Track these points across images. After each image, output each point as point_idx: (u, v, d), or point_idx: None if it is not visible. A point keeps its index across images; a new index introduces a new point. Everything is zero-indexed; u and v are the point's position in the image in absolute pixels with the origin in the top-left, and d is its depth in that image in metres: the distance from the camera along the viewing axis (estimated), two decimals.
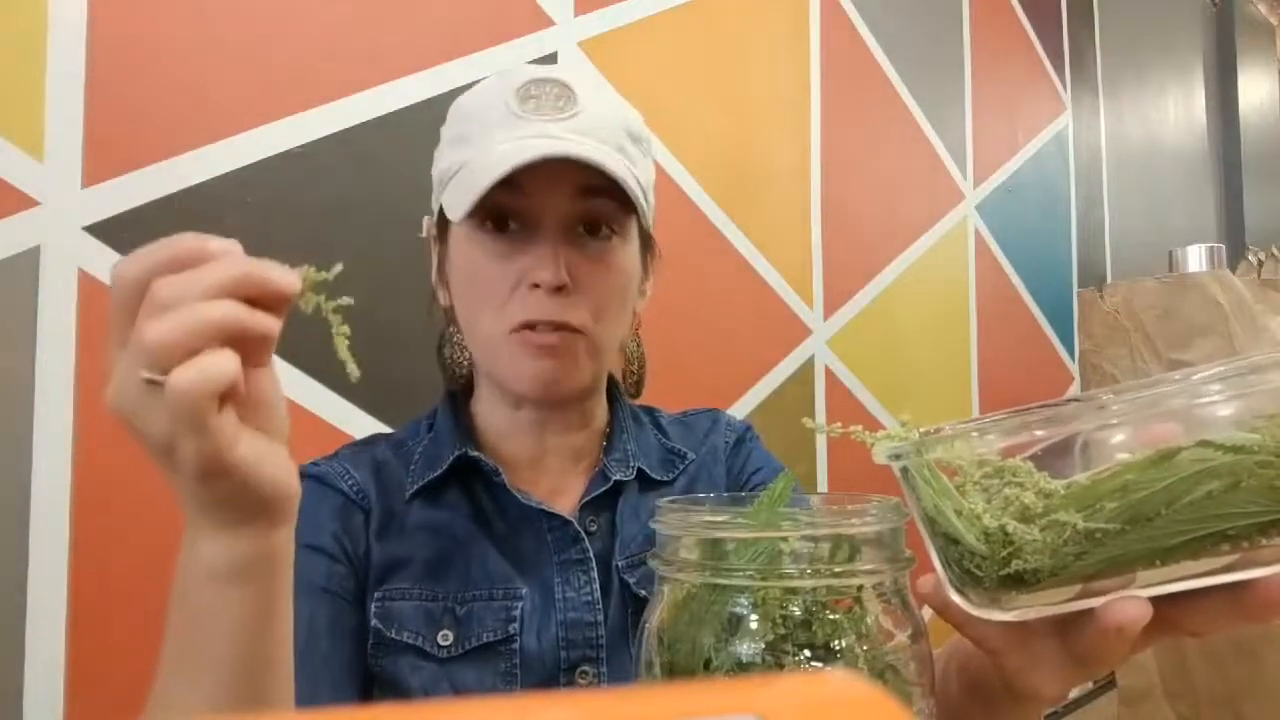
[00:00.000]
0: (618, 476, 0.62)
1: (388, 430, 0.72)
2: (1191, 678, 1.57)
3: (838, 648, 0.33)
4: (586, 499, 0.61)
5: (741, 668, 0.33)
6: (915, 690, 0.35)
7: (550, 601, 0.57)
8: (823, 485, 1.52)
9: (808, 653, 0.33)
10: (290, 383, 0.88)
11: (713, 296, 1.34)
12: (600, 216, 0.57)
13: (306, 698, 0.47)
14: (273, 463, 0.36)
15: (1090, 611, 0.32)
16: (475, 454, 0.59)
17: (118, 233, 0.78)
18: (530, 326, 0.55)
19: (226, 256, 0.34)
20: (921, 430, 0.35)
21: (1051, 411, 0.33)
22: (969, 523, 0.32)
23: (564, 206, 0.55)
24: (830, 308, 1.56)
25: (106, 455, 0.76)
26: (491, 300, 0.56)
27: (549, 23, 1.14)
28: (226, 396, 0.33)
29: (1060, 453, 0.33)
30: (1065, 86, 2.34)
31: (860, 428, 0.37)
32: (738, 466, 0.69)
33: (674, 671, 0.35)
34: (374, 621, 0.55)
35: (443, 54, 1.02)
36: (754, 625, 0.33)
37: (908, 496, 0.35)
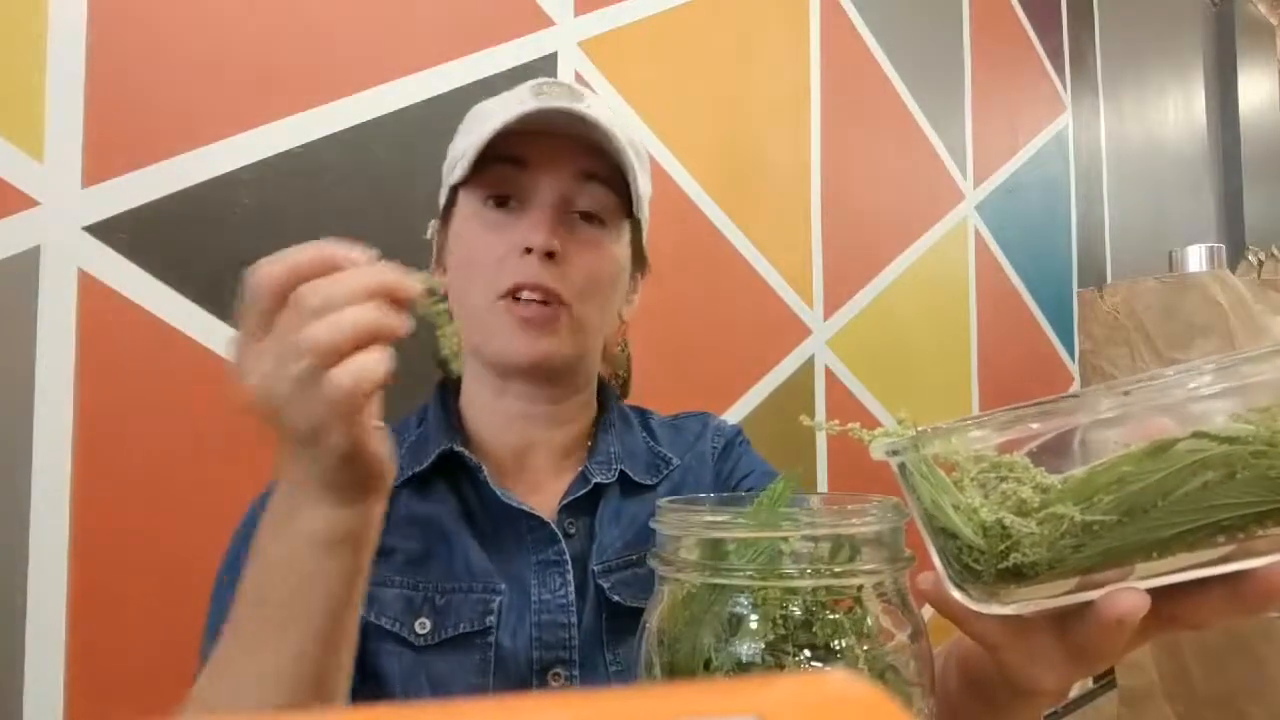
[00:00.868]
0: (598, 479, 0.62)
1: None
2: (1191, 678, 1.57)
3: (838, 648, 0.33)
4: (566, 501, 0.61)
5: (741, 668, 0.33)
6: (915, 690, 0.35)
7: (526, 602, 0.57)
8: (823, 485, 1.52)
9: (808, 653, 0.33)
10: None
11: (713, 296, 1.34)
12: (594, 200, 0.60)
13: None
14: (384, 444, 0.41)
15: (1089, 605, 0.32)
16: (460, 449, 0.59)
17: (118, 233, 0.78)
18: (517, 294, 0.56)
19: (363, 263, 0.38)
20: (918, 428, 0.35)
21: (1048, 407, 0.33)
22: (966, 517, 0.32)
23: (564, 185, 0.58)
24: (830, 308, 1.56)
25: (106, 455, 0.76)
26: (484, 270, 0.58)
27: (549, 23, 1.14)
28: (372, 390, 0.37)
29: (1056, 447, 0.33)
30: (1065, 86, 2.34)
31: (858, 425, 0.37)
32: (726, 471, 0.69)
33: (674, 671, 0.35)
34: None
35: (443, 54, 1.02)
36: (754, 625, 0.33)
37: (905, 493, 0.35)
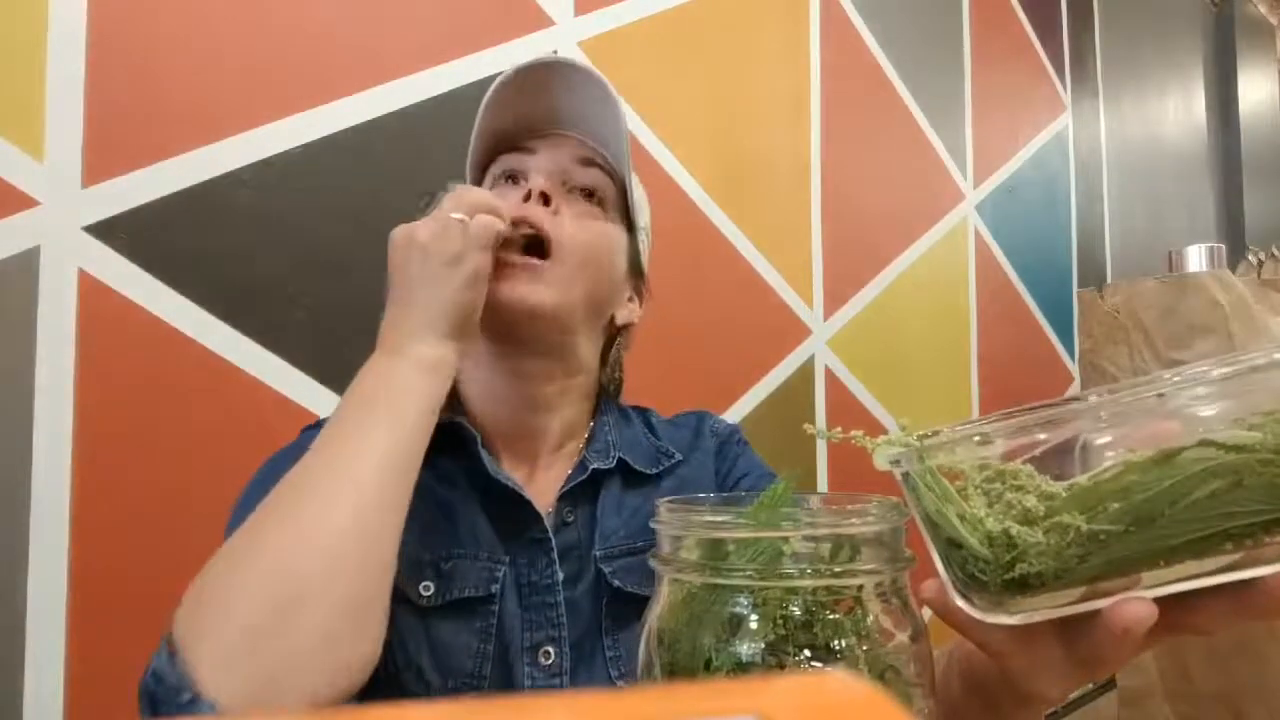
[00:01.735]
0: (596, 465, 0.62)
1: None
2: (1191, 678, 1.57)
3: (838, 648, 0.33)
4: (565, 489, 0.61)
5: (741, 668, 0.33)
6: (915, 690, 0.35)
7: (517, 582, 0.58)
8: (823, 485, 1.52)
9: (808, 653, 0.33)
10: (289, 380, 0.88)
11: (713, 296, 1.34)
12: (593, 182, 0.63)
13: None
14: (481, 296, 0.55)
15: (1094, 614, 0.32)
16: (459, 419, 0.60)
17: (118, 233, 0.78)
18: (506, 243, 0.58)
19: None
20: (919, 434, 0.35)
21: (1051, 413, 0.32)
22: (972, 527, 0.32)
23: (565, 163, 0.63)
24: (830, 308, 1.56)
25: (106, 455, 0.76)
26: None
27: (549, 23, 1.14)
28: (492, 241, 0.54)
29: (1061, 453, 0.33)
30: (1065, 86, 2.34)
31: (861, 433, 0.37)
32: (724, 471, 0.69)
33: (674, 671, 0.35)
34: None
35: (443, 54, 1.02)
36: (754, 625, 0.33)
37: (909, 501, 0.35)
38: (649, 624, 0.37)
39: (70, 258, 0.75)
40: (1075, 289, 2.31)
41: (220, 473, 0.81)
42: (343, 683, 0.42)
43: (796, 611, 0.33)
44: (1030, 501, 0.32)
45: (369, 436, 0.48)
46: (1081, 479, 0.32)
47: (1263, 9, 3.44)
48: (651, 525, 0.38)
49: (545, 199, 0.60)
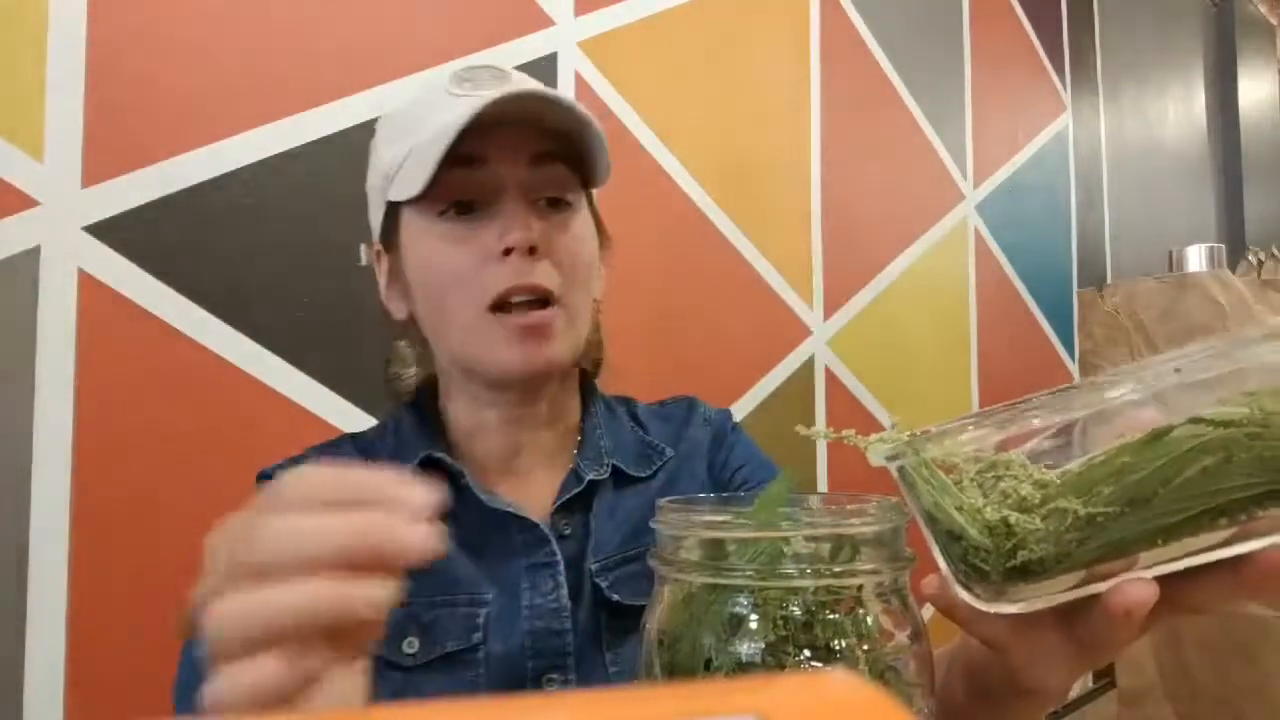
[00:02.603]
0: (591, 476, 0.60)
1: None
2: (1191, 678, 1.57)
3: (838, 648, 0.33)
4: (560, 501, 0.59)
5: (741, 668, 0.33)
6: (915, 690, 0.35)
7: (517, 608, 0.55)
8: (823, 485, 1.52)
9: (808, 653, 0.33)
10: (289, 381, 0.88)
11: (713, 296, 1.34)
12: (558, 183, 0.57)
13: None
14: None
15: (1095, 598, 0.32)
16: (440, 455, 0.57)
17: (118, 233, 0.78)
18: (505, 304, 0.53)
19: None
20: (913, 431, 0.35)
21: (1042, 401, 0.33)
22: (970, 517, 0.32)
23: (523, 175, 0.55)
24: (830, 308, 1.56)
25: (106, 455, 0.76)
26: (460, 283, 0.54)
27: (549, 23, 1.14)
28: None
29: (1053, 442, 0.34)
30: (1065, 86, 2.34)
31: (853, 432, 0.37)
32: (720, 462, 0.67)
33: (674, 671, 0.35)
34: None
35: (443, 54, 1.02)
36: (754, 625, 0.33)
37: (906, 496, 0.35)
38: (649, 624, 0.37)
39: (70, 258, 0.75)
40: (1075, 289, 2.31)
41: (220, 473, 0.81)
42: None
43: (796, 611, 0.33)
44: (1025, 489, 0.32)
45: None
46: (1072, 465, 0.33)
47: (1263, 9, 3.44)
48: (651, 525, 0.38)
49: (533, 250, 0.53)
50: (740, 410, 1.37)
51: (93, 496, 0.75)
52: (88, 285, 0.76)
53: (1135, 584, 0.31)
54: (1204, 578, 0.32)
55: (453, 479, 0.57)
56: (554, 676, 0.55)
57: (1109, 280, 2.37)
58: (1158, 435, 0.31)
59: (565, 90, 1.15)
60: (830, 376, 1.54)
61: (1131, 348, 1.66)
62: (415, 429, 0.60)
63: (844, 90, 1.60)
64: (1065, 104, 2.33)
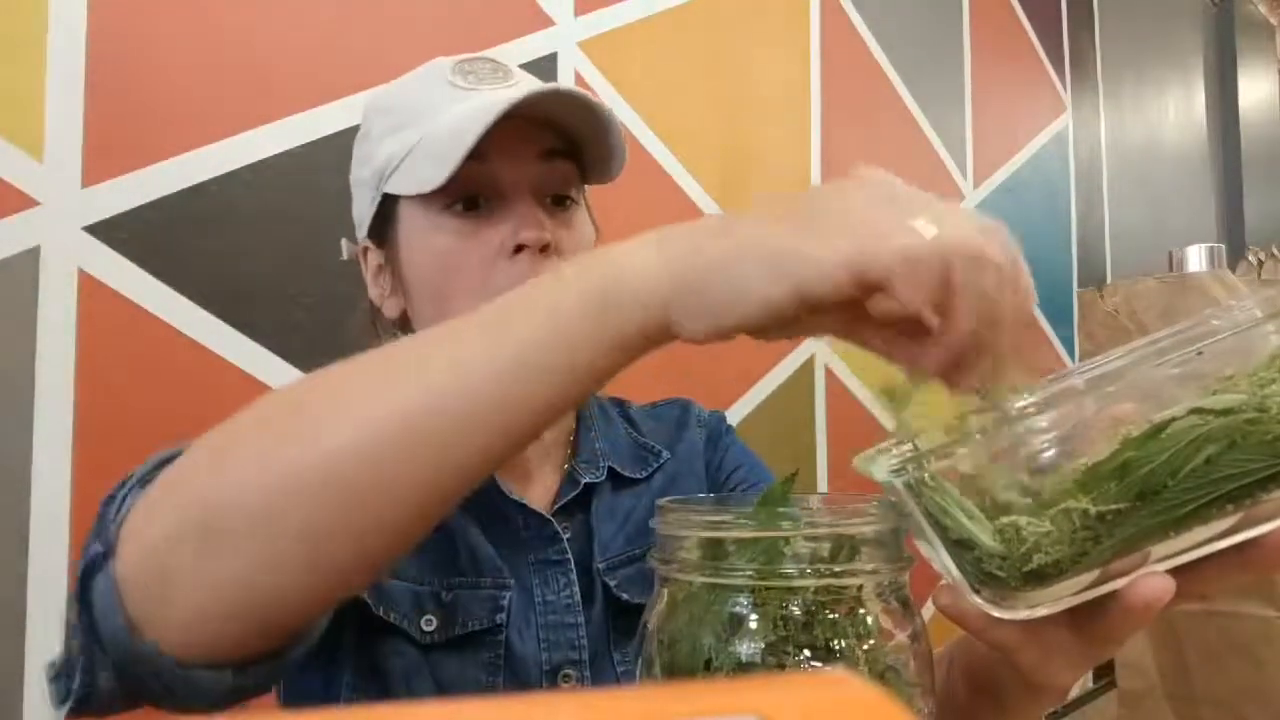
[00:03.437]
0: (587, 479, 0.60)
1: None
2: (1191, 678, 1.57)
3: (838, 648, 0.33)
4: (559, 504, 0.59)
5: (742, 668, 0.33)
6: (915, 690, 0.35)
7: (530, 601, 0.55)
8: (823, 485, 1.52)
9: (808, 653, 0.33)
10: (288, 379, 0.88)
11: None
12: (565, 180, 0.56)
13: None
14: None
15: (1107, 595, 0.32)
16: None
17: (118, 233, 0.78)
18: None
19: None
20: (909, 444, 0.36)
21: (1039, 397, 0.33)
22: (981, 525, 0.32)
23: (532, 172, 0.54)
24: None
25: (106, 455, 0.76)
26: (467, 280, 0.53)
27: (549, 23, 1.14)
28: None
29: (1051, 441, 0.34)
30: (1065, 86, 2.34)
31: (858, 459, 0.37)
32: (715, 463, 0.67)
33: (674, 671, 0.35)
34: (363, 595, 0.51)
35: (443, 54, 1.01)
36: (754, 625, 0.33)
37: (912, 510, 0.35)
38: (649, 624, 0.37)
39: (70, 258, 0.75)
40: (1075, 289, 2.31)
41: None
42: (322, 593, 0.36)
43: (796, 611, 0.33)
44: (1015, 494, 0.32)
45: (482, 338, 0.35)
46: (1066, 469, 0.33)
47: (1263, 9, 3.44)
48: (651, 525, 0.38)
49: (546, 247, 0.53)
50: (740, 410, 1.37)
51: (93, 496, 0.75)
52: (88, 285, 0.76)
53: (1153, 578, 0.31)
54: (1212, 564, 0.32)
55: None
56: (570, 672, 0.55)
57: (1109, 280, 2.37)
58: (1159, 428, 0.31)
59: None
60: (830, 376, 1.54)
61: None
62: None
63: (844, 90, 1.60)
64: (1065, 104, 2.33)
